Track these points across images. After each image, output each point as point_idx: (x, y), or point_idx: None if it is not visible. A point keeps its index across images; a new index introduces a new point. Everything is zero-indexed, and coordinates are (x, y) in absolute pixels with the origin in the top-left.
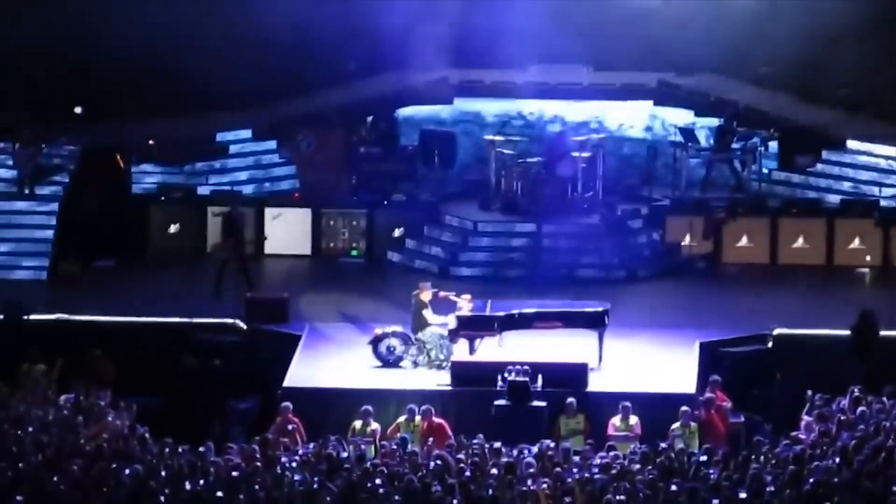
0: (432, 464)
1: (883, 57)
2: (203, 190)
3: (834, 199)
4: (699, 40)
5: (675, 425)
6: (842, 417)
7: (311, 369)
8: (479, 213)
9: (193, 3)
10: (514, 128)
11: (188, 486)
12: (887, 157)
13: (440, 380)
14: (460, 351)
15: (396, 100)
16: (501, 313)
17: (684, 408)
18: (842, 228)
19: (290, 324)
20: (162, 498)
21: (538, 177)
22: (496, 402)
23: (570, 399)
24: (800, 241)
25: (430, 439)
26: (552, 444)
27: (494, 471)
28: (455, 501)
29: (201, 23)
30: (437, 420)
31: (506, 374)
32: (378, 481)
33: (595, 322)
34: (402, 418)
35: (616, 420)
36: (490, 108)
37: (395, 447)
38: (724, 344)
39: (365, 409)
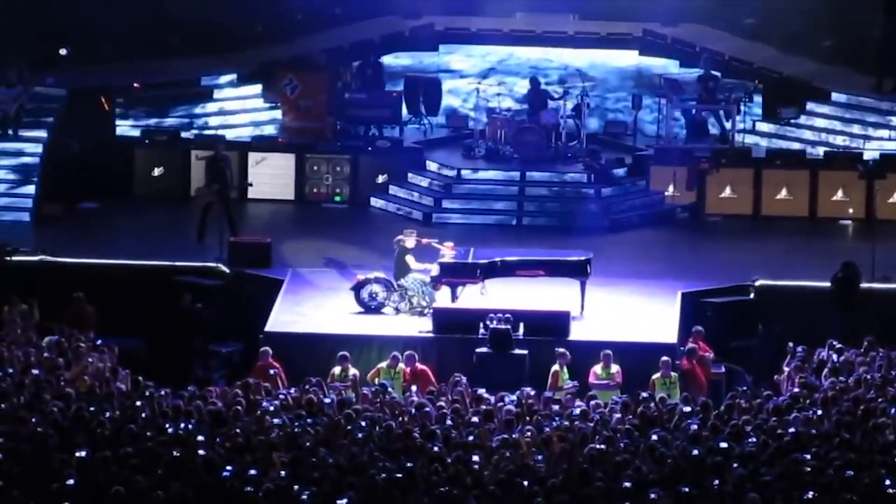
0: (412, 410)
1: (868, 10)
2: (187, 134)
3: (817, 150)
4: None
5: (656, 375)
6: (822, 369)
7: (293, 314)
8: (462, 161)
9: None
10: (498, 75)
11: (169, 429)
12: (871, 110)
13: (422, 326)
14: (442, 298)
15: (382, 45)
16: (484, 261)
17: (664, 358)
18: (825, 180)
19: (272, 268)
20: (143, 440)
21: (522, 125)
22: (478, 350)
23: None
24: (783, 193)
25: (414, 386)
26: (532, 392)
27: (475, 418)
28: (436, 448)
29: None
30: (420, 366)
31: (487, 322)
32: (362, 423)
33: (577, 271)
34: (383, 364)
35: (597, 368)
36: (475, 54)
37: (373, 392)
38: (706, 294)
39: (342, 355)
